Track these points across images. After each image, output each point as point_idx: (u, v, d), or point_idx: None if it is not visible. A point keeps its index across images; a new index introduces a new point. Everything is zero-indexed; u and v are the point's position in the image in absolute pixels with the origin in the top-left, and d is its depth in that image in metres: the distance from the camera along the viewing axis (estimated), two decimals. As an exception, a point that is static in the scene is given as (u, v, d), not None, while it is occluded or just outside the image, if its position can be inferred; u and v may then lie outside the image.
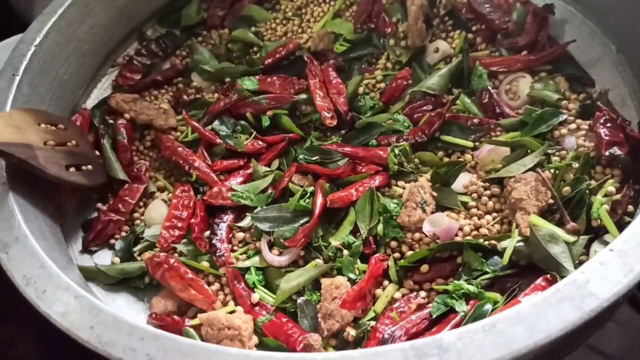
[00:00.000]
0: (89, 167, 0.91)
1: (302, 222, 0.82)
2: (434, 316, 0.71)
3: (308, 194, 0.85)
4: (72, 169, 0.87)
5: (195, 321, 0.75)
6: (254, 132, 0.98)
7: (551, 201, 0.76)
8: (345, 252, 0.79)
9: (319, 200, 0.82)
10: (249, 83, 1.04)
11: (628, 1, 0.89)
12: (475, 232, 0.78)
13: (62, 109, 0.98)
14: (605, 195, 0.75)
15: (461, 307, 0.70)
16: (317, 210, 0.81)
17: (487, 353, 0.51)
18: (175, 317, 0.78)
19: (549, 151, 0.83)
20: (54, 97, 0.98)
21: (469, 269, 0.74)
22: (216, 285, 0.82)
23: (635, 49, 0.89)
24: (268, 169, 0.93)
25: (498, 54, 1.01)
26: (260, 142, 0.97)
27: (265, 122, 0.99)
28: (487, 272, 0.73)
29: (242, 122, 0.99)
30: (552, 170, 0.80)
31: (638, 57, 0.89)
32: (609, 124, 0.81)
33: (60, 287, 0.64)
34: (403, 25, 1.06)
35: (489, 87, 0.94)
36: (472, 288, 0.71)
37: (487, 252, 0.75)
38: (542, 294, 0.54)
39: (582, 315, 0.53)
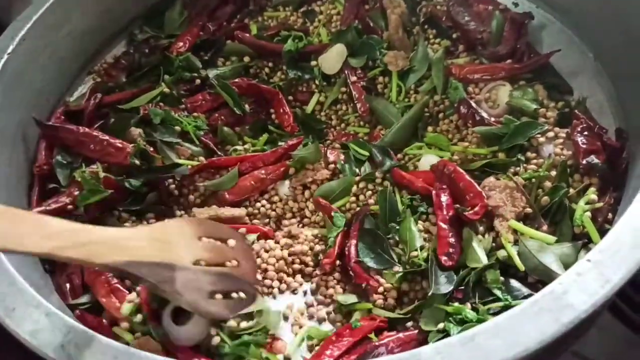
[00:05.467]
0: (241, 294, 0.73)
1: None
2: (430, 342, 0.67)
3: None
4: (218, 296, 0.70)
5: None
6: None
7: (527, 206, 0.77)
8: None
9: None
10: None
11: (605, 10, 0.89)
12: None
13: (37, 115, 0.96)
14: (588, 203, 0.76)
15: (454, 332, 0.66)
16: None
17: (465, 367, 0.51)
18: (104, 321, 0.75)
19: (523, 158, 0.85)
20: (29, 104, 0.95)
21: (485, 289, 0.71)
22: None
23: (613, 57, 0.90)
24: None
25: (479, 62, 1.01)
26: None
27: None
28: (499, 299, 0.69)
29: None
30: (526, 177, 0.81)
31: (615, 65, 0.90)
32: (586, 132, 0.82)
33: (30, 304, 0.62)
34: (385, 34, 1.06)
35: (467, 98, 0.94)
36: (471, 315, 0.67)
37: (507, 274, 0.72)
38: (520, 306, 0.54)
39: (560, 327, 0.52)
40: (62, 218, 0.60)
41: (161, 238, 0.66)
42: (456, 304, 0.69)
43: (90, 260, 0.56)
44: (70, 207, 0.85)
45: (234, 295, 0.72)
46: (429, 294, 0.71)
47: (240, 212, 0.88)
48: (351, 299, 0.73)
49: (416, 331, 0.70)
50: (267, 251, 0.84)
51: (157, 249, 0.64)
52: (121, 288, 0.77)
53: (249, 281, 0.76)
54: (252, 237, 0.84)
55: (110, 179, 0.86)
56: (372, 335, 0.70)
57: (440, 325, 0.68)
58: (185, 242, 0.70)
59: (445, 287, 0.71)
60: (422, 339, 0.69)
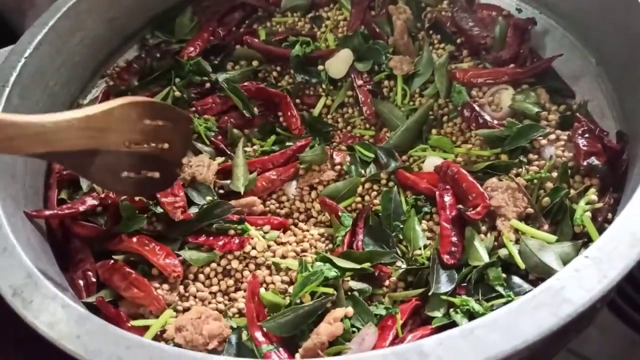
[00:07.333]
0: (155, 174, 0.76)
1: None
2: (433, 325, 0.69)
3: None
4: (124, 174, 0.73)
5: (138, 322, 0.75)
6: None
7: (528, 206, 0.79)
8: None
9: None
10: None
11: (607, 15, 0.91)
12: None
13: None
14: (588, 203, 0.77)
15: (463, 323, 0.67)
16: None
17: (466, 358, 0.53)
18: (121, 312, 0.77)
19: (525, 159, 0.86)
20: (44, 108, 0.98)
21: (487, 286, 0.72)
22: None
23: (614, 61, 0.92)
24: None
25: (482, 66, 1.03)
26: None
27: None
28: (502, 296, 0.70)
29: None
30: (528, 178, 0.82)
31: (617, 70, 0.91)
32: (587, 135, 0.83)
33: (47, 297, 0.64)
34: (391, 39, 1.09)
35: (470, 102, 0.96)
36: (477, 308, 0.69)
37: (509, 272, 0.74)
38: (518, 301, 0.56)
39: (558, 321, 0.54)
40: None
41: (99, 126, 0.65)
42: (463, 296, 0.71)
43: (9, 153, 0.59)
44: (99, 208, 0.86)
45: (149, 173, 0.75)
46: (430, 293, 0.72)
47: (253, 199, 0.91)
48: (360, 285, 0.75)
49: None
50: (279, 244, 0.86)
51: (88, 137, 0.64)
52: (139, 277, 0.79)
53: (172, 162, 0.78)
54: (275, 233, 0.86)
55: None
56: (399, 329, 0.70)
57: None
58: (127, 126, 0.69)
59: (445, 286, 0.73)
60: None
